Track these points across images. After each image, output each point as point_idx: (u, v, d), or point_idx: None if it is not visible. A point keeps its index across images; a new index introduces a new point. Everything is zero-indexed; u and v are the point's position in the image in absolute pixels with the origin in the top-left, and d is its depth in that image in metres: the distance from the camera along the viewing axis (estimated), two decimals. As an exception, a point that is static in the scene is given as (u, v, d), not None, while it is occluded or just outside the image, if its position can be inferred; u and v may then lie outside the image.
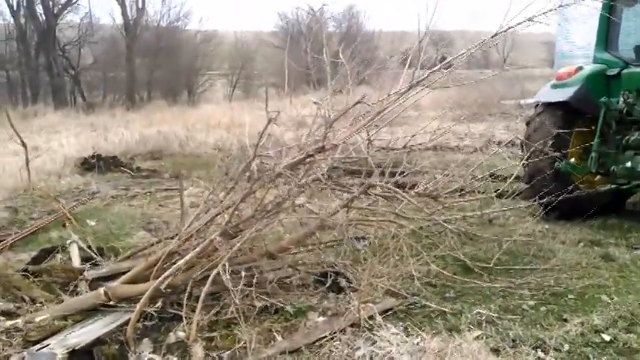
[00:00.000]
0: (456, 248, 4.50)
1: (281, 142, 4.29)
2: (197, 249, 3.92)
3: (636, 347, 3.45)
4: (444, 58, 4.72)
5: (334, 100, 4.58)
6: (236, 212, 4.14)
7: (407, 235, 4.42)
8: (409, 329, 3.65)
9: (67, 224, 5.66)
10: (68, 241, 5.17)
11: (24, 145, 8.76)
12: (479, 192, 6.11)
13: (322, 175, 4.26)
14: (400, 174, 4.79)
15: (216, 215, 4.31)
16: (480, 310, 3.89)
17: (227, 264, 3.69)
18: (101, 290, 3.97)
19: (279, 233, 4.89)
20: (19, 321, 3.76)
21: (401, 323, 3.74)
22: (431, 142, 4.94)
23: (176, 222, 5.42)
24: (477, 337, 3.50)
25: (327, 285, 4.32)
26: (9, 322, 3.75)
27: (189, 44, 25.80)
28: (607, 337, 3.56)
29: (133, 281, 4.15)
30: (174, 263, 4.14)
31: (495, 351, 3.35)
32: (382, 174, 4.61)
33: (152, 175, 9.80)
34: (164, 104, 21.48)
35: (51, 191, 7.66)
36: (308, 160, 4.21)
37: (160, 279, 3.74)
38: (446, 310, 3.92)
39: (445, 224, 4.31)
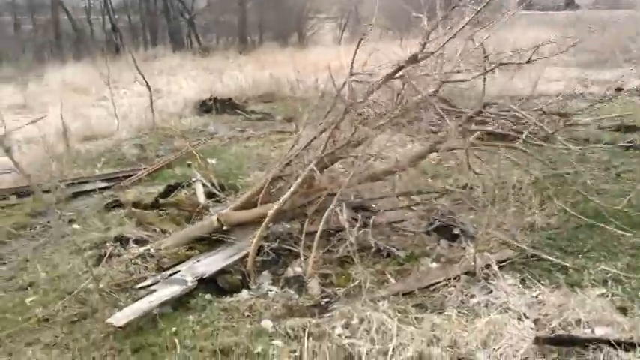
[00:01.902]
0: (580, 200, 4.25)
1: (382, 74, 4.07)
2: (299, 180, 3.98)
3: None
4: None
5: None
6: (331, 139, 4.10)
7: (528, 184, 4.23)
8: (527, 281, 3.56)
9: (191, 162, 5.99)
10: (193, 179, 5.50)
11: (148, 87, 9.27)
12: (606, 143, 5.71)
13: (429, 94, 4.00)
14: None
15: (312, 140, 4.30)
16: (606, 267, 3.70)
17: (340, 203, 3.74)
18: (214, 217, 4.24)
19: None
20: (150, 247, 4.12)
21: (518, 274, 3.65)
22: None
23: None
24: (601, 295, 3.34)
25: (441, 231, 4.28)
26: (142, 248, 4.12)
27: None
28: None
29: (242, 208, 4.37)
30: (278, 189, 4.30)
31: (622, 309, 3.18)
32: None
33: (265, 117, 10.06)
34: (275, 47, 21.72)
35: (176, 131, 8.10)
36: (401, 73, 3.99)
37: (271, 206, 3.89)
38: (567, 264, 3.76)
39: (574, 148, 3.99)
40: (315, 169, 3.98)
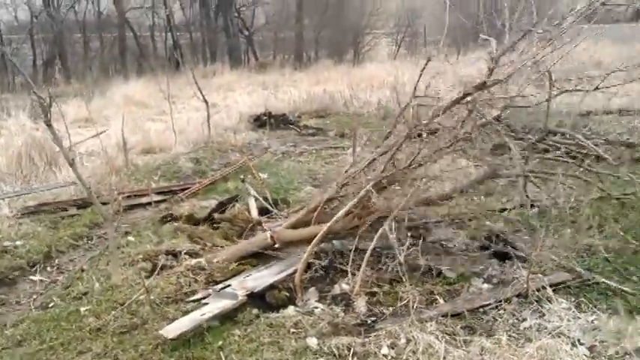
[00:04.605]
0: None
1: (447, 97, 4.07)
2: (355, 200, 3.98)
3: None
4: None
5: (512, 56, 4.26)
6: (391, 161, 4.08)
7: (587, 204, 4.08)
8: (582, 305, 3.42)
9: (244, 177, 6.09)
10: (246, 193, 5.58)
11: (206, 101, 9.52)
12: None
13: (493, 118, 3.98)
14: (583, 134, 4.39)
15: (372, 162, 4.29)
16: (667, 293, 3.51)
17: (392, 222, 3.71)
18: (267, 234, 4.28)
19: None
20: (202, 260, 4.21)
21: (573, 298, 3.52)
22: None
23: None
24: (663, 322, 3.17)
25: (493, 251, 4.18)
26: (193, 261, 4.21)
27: (356, 1, 25.92)
28: None
29: (295, 226, 4.40)
30: (333, 209, 4.29)
31: (685, 340, 3.01)
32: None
33: (317, 132, 10.15)
34: (330, 63, 21.92)
35: (229, 145, 8.26)
36: (468, 99, 3.94)
37: (324, 226, 3.89)
38: (627, 289, 3.59)
39: (637, 179, 3.87)
40: (372, 189, 3.98)
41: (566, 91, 4.04)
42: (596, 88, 3.96)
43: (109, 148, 7.77)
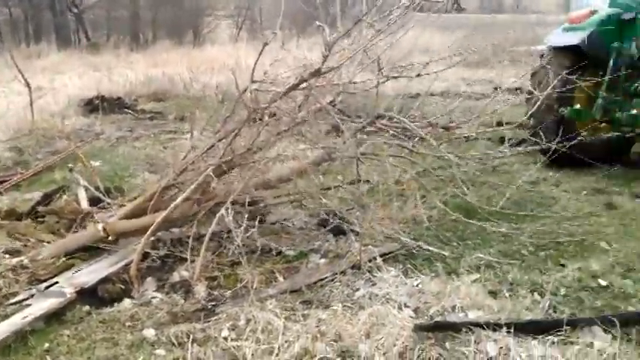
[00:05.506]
0: (459, 193, 4.49)
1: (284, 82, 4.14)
2: (193, 185, 3.91)
3: (631, 292, 3.49)
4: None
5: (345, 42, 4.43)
6: (230, 146, 4.06)
7: (410, 179, 4.42)
8: (409, 272, 3.71)
9: (73, 166, 5.68)
10: (75, 183, 5.19)
11: (28, 85, 8.71)
12: (485, 139, 6.08)
13: (327, 104, 4.13)
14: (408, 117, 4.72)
15: (211, 147, 4.23)
16: (480, 255, 3.94)
17: (230, 205, 3.70)
18: (99, 226, 4.02)
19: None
20: (24, 258, 3.84)
21: (401, 266, 3.79)
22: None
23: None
24: (475, 280, 3.56)
25: (329, 228, 4.36)
26: (15, 260, 3.82)
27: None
28: (603, 283, 3.61)
29: (130, 216, 4.17)
30: (171, 197, 4.17)
31: (493, 293, 3.41)
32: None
33: (156, 117, 9.78)
34: (169, 45, 21.14)
35: (56, 131, 7.64)
36: (304, 85, 4.05)
37: (161, 214, 3.77)
38: (446, 254, 3.97)
39: (454, 158, 4.27)
40: (212, 175, 3.91)
41: (393, 77, 4.30)
42: (418, 75, 4.27)
43: None
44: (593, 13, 6.06)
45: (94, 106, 9.90)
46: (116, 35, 24.90)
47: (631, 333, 2.98)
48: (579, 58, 5.86)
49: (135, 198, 4.76)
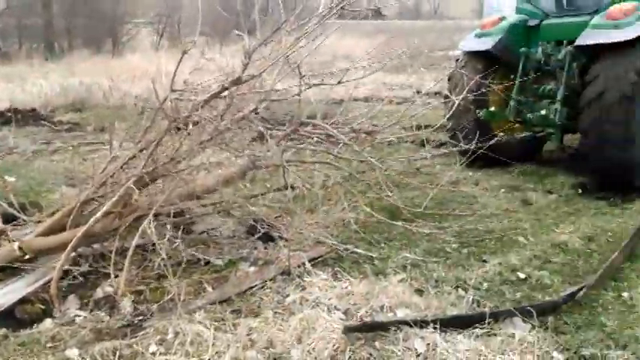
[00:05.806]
0: (384, 196, 4.59)
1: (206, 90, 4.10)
2: (114, 198, 3.78)
3: (548, 283, 3.71)
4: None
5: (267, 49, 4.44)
6: (152, 157, 3.96)
7: (335, 183, 4.48)
8: (338, 275, 3.75)
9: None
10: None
11: None
12: (407, 142, 6.27)
13: (250, 112, 4.13)
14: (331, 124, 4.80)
15: (131, 158, 4.11)
16: (406, 254, 4.06)
17: (152, 218, 3.61)
18: (15, 245, 3.80)
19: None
20: None
21: (330, 269, 3.83)
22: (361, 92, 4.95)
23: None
24: (402, 280, 3.65)
25: (258, 235, 4.34)
26: None
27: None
28: (522, 275, 3.82)
29: (49, 233, 3.97)
30: (91, 211, 4.01)
31: (419, 291, 3.51)
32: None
33: (74, 128, 9.39)
34: (87, 54, 20.37)
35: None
36: (225, 94, 4.03)
37: (81, 229, 3.62)
38: (373, 255, 4.05)
39: (377, 163, 4.34)
40: (133, 187, 3.79)
41: (315, 85, 4.35)
42: (339, 82, 4.35)
43: None
44: (502, 19, 6.40)
45: (6, 118, 9.39)
46: (29, 44, 23.70)
47: (547, 321, 3.16)
48: (491, 63, 6.17)
49: (53, 214, 4.54)
